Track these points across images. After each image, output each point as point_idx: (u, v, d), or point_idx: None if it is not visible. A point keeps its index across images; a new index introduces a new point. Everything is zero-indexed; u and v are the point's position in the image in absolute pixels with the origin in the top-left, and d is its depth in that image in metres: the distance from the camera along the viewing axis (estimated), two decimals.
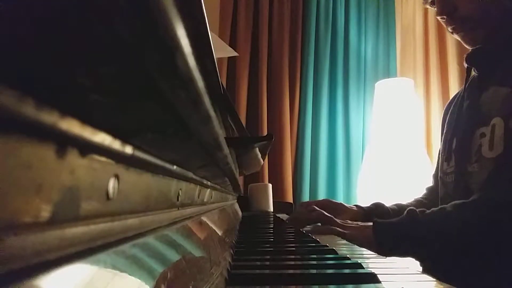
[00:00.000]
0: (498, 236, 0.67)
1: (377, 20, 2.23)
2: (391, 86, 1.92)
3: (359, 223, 0.82)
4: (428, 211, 0.75)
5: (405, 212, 0.76)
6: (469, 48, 0.86)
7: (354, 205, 1.05)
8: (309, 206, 0.93)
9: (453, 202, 0.74)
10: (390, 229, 0.75)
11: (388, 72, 2.18)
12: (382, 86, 1.95)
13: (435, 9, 0.86)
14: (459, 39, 0.86)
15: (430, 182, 1.07)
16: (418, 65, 2.11)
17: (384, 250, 0.74)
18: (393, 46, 2.22)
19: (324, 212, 0.86)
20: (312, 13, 2.13)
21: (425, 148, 1.93)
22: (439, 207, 0.76)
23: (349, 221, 0.83)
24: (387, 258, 0.52)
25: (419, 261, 0.82)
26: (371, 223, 0.77)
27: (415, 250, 0.74)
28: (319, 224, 0.86)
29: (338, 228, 0.78)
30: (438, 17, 0.85)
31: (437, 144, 1.96)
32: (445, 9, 0.83)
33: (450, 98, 1.05)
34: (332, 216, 0.84)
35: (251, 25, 2.11)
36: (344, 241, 0.70)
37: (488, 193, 0.72)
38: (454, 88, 1.93)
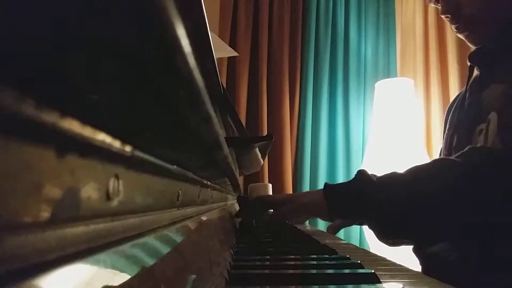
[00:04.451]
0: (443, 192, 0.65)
1: (377, 20, 2.23)
2: (391, 86, 1.92)
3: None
4: (382, 175, 0.74)
5: (356, 172, 0.75)
6: (472, 47, 0.86)
7: None
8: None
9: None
10: (341, 190, 0.73)
11: (388, 72, 2.18)
12: (382, 86, 1.94)
13: (439, 7, 0.86)
14: (463, 38, 0.86)
15: None
16: (418, 65, 2.11)
17: (336, 212, 0.73)
18: (393, 46, 2.22)
19: (273, 195, 0.86)
20: (312, 13, 2.13)
21: (425, 148, 1.93)
22: (392, 171, 0.74)
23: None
24: (387, 258, 0.52)
25: (372, 228, 0.75)
26: (321, 189, 0.76)
27: (366, 210, 0.71)
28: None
29: (285, 207, 0.77)
30: (442, 16, 0.85)
31: (437, 144, 1.97)
32: (449, 7, 0.83)
33: (450, 98, 1.05)
34: (276, 195, 0.83)
35: (251, 25, 2.11)
36: (345, 242, 0.70)
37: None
38: (454, 88, 1.93)
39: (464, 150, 0.69)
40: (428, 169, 0.70)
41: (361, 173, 0.74)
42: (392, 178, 0.71)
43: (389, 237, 0.72)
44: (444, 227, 0.67)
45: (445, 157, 0.71)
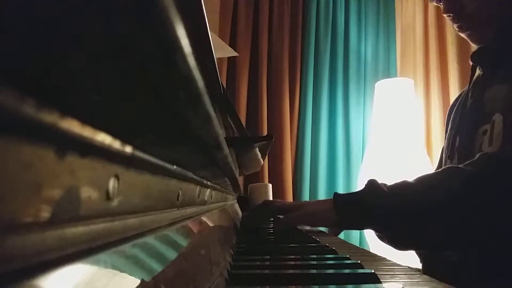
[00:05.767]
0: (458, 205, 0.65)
1: (377, 20, 2.23)
2: (391, 86, 1.92)
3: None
4: (391, 184, 0.73)
5: (366, 182, 0.75)
6: (475, 46, 0.86)
7: None
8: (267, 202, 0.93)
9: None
10: (351, 199, 0.73)
11: (388, 72, 2.18)
12: (382, 86, 1.94)
13: (441, 6, 0.86)
14: (465, 37, 0.86)
15: None
16: (418, 65, 2.11)
17: (346, 222, 0.73)
18: (393, 46, 2.22)
19: (281, 201, 0.86)
20: (312, 13, 2.13)
21: (425, 148, 1.93)
22: (402, 180, 0.73)
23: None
24: (387, 258, 0.52)
25: (382, 233, 0.75)
26: (330, 198, 0.76)
27: (376, 221, 0.71)
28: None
29: (294, 213, 0.77)
30: (445, 15, 0.85)
31: (437, 144, 1.96)
32: (451, 6, 0.83)
33: (450, 98, 1.05)
34: (285, 201, 0.83)
35: (251, 25, 2.11)
36: (345, 241, 0.70)
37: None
38: (454, 88, 1.93)
39: (475, 158, 0.68)
40: (437, 178, 0.70)
41: (372, 183, 0.73)
42: (402, 187, 0.71)
43: (398, 245, 0.72)
44: (453, 235, 0.66)
45: (455, 165, 0.71)
